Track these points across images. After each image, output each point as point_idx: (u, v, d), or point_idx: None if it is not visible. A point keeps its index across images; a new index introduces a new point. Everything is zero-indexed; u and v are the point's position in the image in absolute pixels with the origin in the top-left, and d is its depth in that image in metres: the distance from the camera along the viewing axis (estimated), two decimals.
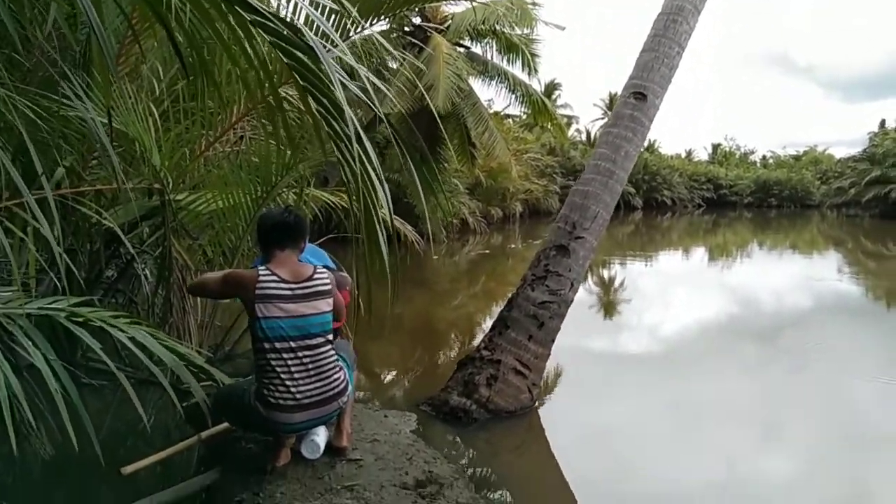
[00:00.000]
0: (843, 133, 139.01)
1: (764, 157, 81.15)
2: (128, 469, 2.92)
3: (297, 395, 2.89)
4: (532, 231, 30.46)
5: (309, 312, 2.94)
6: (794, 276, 16.49)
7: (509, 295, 5.32)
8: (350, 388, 3.18)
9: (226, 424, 3.26)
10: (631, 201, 55.57)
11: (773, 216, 54.07)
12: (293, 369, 2.89)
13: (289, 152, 4.82)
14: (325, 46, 2.65)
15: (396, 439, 3.51)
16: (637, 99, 5.44)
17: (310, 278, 2.99)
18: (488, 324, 9.85)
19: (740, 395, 6.05)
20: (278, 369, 2.88)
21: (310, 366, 2.93)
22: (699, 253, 24.46)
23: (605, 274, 16.37)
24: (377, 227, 2.51)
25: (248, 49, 2.74)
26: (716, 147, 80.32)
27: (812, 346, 8.16)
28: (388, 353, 7.44)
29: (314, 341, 2.95)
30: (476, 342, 8.43)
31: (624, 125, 5.47)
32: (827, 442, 4.91)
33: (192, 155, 4.91)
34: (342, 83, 2.48)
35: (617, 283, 15.09)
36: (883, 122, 55.37)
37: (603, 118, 66.55)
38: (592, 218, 5.29)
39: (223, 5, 1.74)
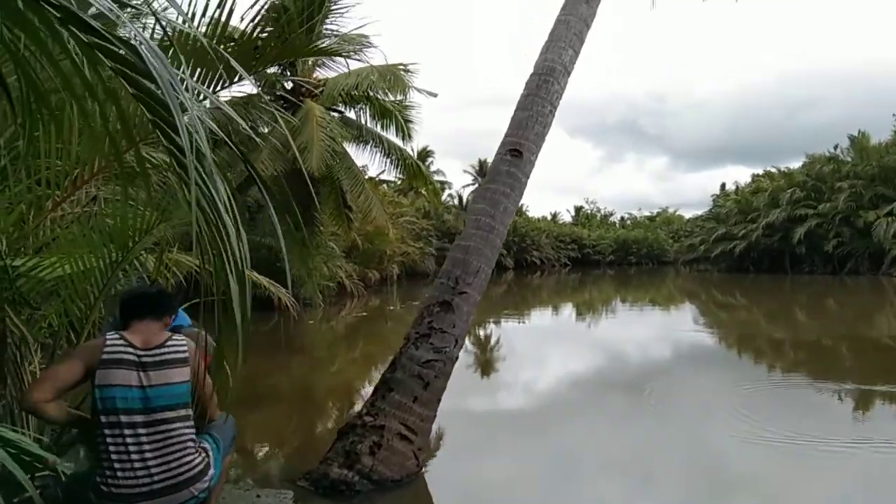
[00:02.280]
0: (690, 195, 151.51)
1: (622, 219, 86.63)
2: None
3: (133, 482, 2.47)
4: (410, 292, 30.44)
5: (157, 383, 2.57)
6: (655, 329, 17.45)
7: (390, 358, 5.15)
8: (212, 472, 2.72)
9: None
10: (503, 261, 57.24)
11: (634, 273, 57.54)
12: (131, 449, 2.48)
13: (147, 213, 4.48)
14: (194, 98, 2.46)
15: None
16: (513, 156, 5.54)
17: (162, 345, 2.65)
18: (368, 389, 9.56)
19: (612, 444, 6.24)
20: (111, 449, 2.48)
21: (155, 445, 2.52)
22: (568, 309, 25.43)
23: (481, 332, 16.46)
24: (230, 277, 2.27)
25: (100, 97, 2.51)
26: (578, 209, 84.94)
27: (667, 395, 8.54)
28: (262, 424, 6.95)
29: (161, 416, 2.55)
30: (356, 409, 8.16)
31: (502, 181, 5.54)
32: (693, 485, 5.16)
33: (37, 215, 4.45)
34: (217, 139, 2.30)
35: (493, 341, 15.29)
36: (723, 186, 61.15)
37: (474, 184, 68.83)
38: (475, 273, 5.25)
39: (54, 23, 1.49)
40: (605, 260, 69.65)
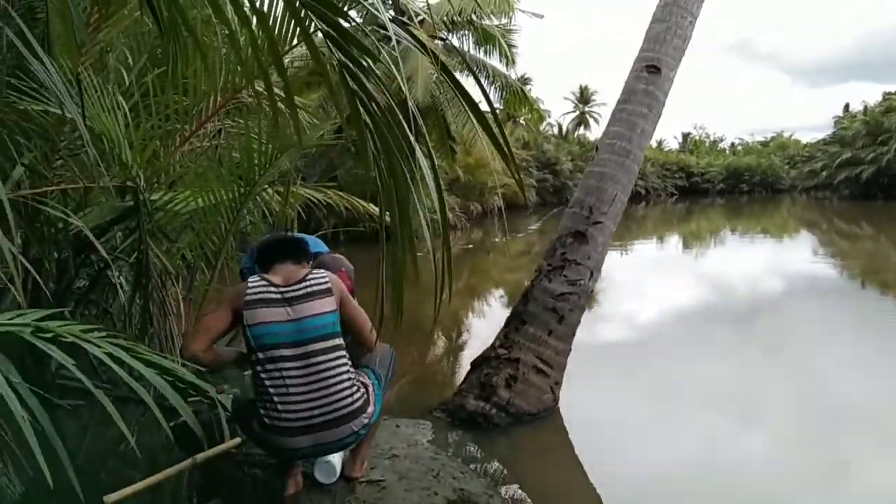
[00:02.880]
0: (807, 118, 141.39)
1: (733, 145, 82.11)
2: (111, 497, 2.55)
3: (293, 416, 2.49)
4: (511, 224, 30.22)
5: (304, 315, 2.56)
6: (785, 260, 16.52)
7: (493, 289, 5.05)
8: (372, 409, 2.67)
9: (225, 445, 2.89)
10: None
11: (745, 202, 54.68)
12: (288, 382, 2.50)
13: (269, 147, 4.47)
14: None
15: (417, 453, 3.17)
16: (650, 72, 5.11)
17: (303, 279, 2.64)
18: (480, 320, 9.73)
19: (741, 378, 6.05)
20: (268, 383, 2.51)
21: (310, 378, 2.52)
22: (674, 240, 24.50)
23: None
24: (409, 222, 2.17)
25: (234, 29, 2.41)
26: (686, 136, 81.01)
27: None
28: None
29: (313, 347, 2.53)
30: (469, 339, 8.20)
31: (638, 101, 5.14)
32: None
33: (166, 151, 4.54)
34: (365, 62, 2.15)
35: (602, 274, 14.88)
36: (847, 106, 56.26)
37: (574, 111, 66.83)
38: (610, 201, 4.97)
39: None
40: (715, 188, 66.37)
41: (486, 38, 14.56)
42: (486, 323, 9.18)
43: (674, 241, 24.44)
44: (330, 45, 1.77)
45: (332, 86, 2.37)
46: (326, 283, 2.65)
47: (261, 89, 5.16)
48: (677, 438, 4.61)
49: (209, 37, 4.67)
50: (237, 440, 2.91)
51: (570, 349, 4.78)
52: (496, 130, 1.93)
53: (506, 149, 1.90)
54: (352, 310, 2.71)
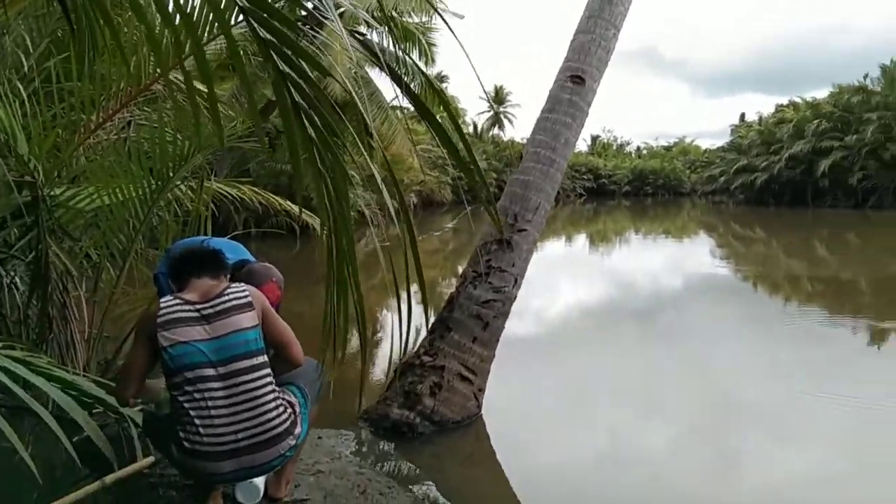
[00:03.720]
0: (706, 125, 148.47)
1: (638, 148, 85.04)
2: None
3: (216, 440, 2.29)
4: (427, 222, 30.30)
5: (224, 332, 2.37)
6: (669, 262, 17.32)
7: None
8: (300, 429, 2.51)
9: (137, 465, 2.68)
10: None
11: (650, 203, 57.04)
12: (210, 405, 2.30)
13: (184, 141, 4.25)
14: None
15: (341, 467, 3.07)
16: (575, 83, 5.18)
17: (220, 294, 2.45)
18: (396, 319, 9.59)
19: (645, 375, 6.36)
20: (187, 406, 2.30)
21: (234, 400, 2.33)
22: (581, 240, 25.29)
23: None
24: (347, 222, 2.06)
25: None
26: (594, 139, 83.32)
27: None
28: None
29: (237, 365, 2.34)
30: (384, 338, 8.12)
31: (563, 110, 5.20)
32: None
33: (69, 143, 4.23)
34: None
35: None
36: (743, 116, 59.57)
37: (489, 111, 67.56)
38: (534, 209, 5.01)
39: None
40: (621, 190, 68.73)
41: (405, 36, 14.48)
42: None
43: (581, 240, 25.20)
44: (254, 24, 1.64)
45: (246, 75, 2.25)
46: (246, 296, 2.47)
47: (174, 78, 4.92)
48: (591, 438, 4.81)
49: (120, 19, 4.38)
50: (150, 459, 2.69)
51: (494, 355, 4.80)
52: (451, 130, 1.85)
53: (465, 150, 1.83)
54: (275, 324, 2.54)
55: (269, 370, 2.43)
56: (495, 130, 67.56)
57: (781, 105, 49.99)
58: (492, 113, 67.94)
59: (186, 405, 2.30)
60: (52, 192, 3.96)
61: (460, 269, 17.55)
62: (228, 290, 2.46)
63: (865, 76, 39.57)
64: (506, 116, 68.27)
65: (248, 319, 2.42)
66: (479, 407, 4.64)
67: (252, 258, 3.13)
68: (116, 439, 2.96)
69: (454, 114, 2.23)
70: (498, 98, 68.27)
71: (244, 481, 2.57)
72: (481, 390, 4.65)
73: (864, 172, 36.70)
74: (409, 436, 4.23)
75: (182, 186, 4.82)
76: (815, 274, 14.50)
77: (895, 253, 18.87)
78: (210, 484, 2.49)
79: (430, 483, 3.65)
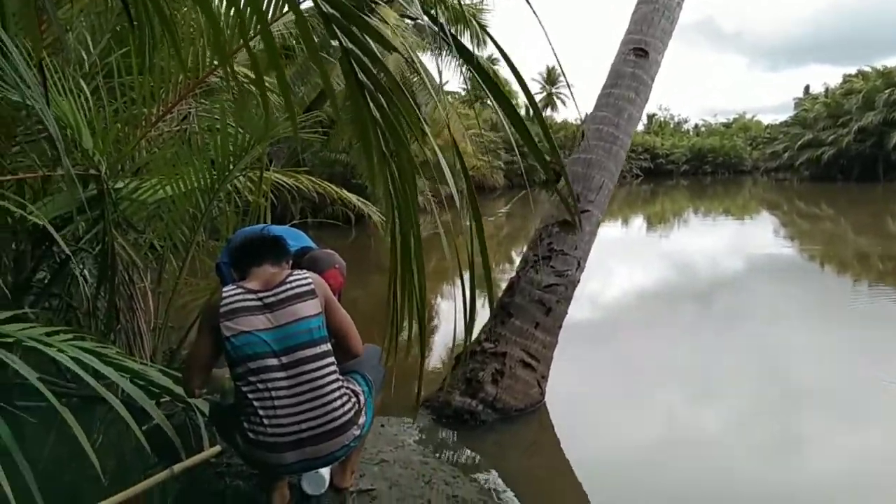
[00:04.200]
0: (766, 100, 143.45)
1: (696, 126, 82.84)
2: None
3: (280, 430, 2.28)
4: (480, 207, 30.08)
5: (287, 320, 2.34)
6: (746, 241, 16.76)
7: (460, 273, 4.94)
8: (364, 419, 2.49)
9: (204, 454, 2.70)
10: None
11: (709, 183, 55.48)
12: (274, 395, 2.28)
13: (243, 133, 4.27)
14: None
15: (405, 456, 3.04)
16: (638, 56, 4.98)
17: (282, 282, 2.41)
18: (453, 305, 9.57)
19: (707, 357, 6.27)
20: (251, 397, 2.29)
21: (298, 389, 2.30)
22: (638, 222, 24.75)
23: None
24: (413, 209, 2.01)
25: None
26: (651, 117, 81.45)
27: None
28: None
29: (301, 354, 2.31)
30: (441, 325, 8.07)
31: (626, 85, 5.01)
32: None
33: (131, 136, 4.30)
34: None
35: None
36: (807, 88, 57.28)
37: (541, 92, 66.72)
38: (598, 189, 4.85)
39: None
40: (679, 170, 67.06)
41: (456, 19, 14.33)
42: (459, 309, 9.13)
43: (638, 222, 24.71)
44: (334, 26, 1.59)
45: (316, 51, 2.18)
46: (309, 283, 2.42)
47: (233, 68, 4.93)
48: (655, 424, 4.74)
49: (177, 12, 4.43)
50: (217, 448, 2.71)
51: (557, 341, 4.68)
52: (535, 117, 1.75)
53: (542, 132, 1.73)
54: (337, 312, 2.49)
55: (332, 359, 2.39)
56: (548, 112, 66.79)
57: (849, 75, 47.76)
58: (544, 94, 67.13)
59: (250, 395, 2.28)
60: (116, 186, 4.04)
61: (514, 254, 17.57)
62: (290, 278, 2.43)
63: None
64: (558, 97, 67.39)
65: (312, 307, 2.39)
66: (543, 394, 4.54)
67: (313, 245, 3.11)
68: (183, 428, 3.00)
69: (532, 98, 2.13)
70: (550, 78, 67.34)
71: (310, 472, 2.56)
72: (544, 377, 4.54)
73: None
74: (472, 424, 4.16)
75: (241, 177, 4.86)
76: (887, 252, 13.85)
77: None
78: (275, 474, 2.48)
79: (493, 471, 3.61)
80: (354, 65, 1.63)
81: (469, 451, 3.91)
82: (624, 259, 13.90)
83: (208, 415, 2.56)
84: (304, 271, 2.50)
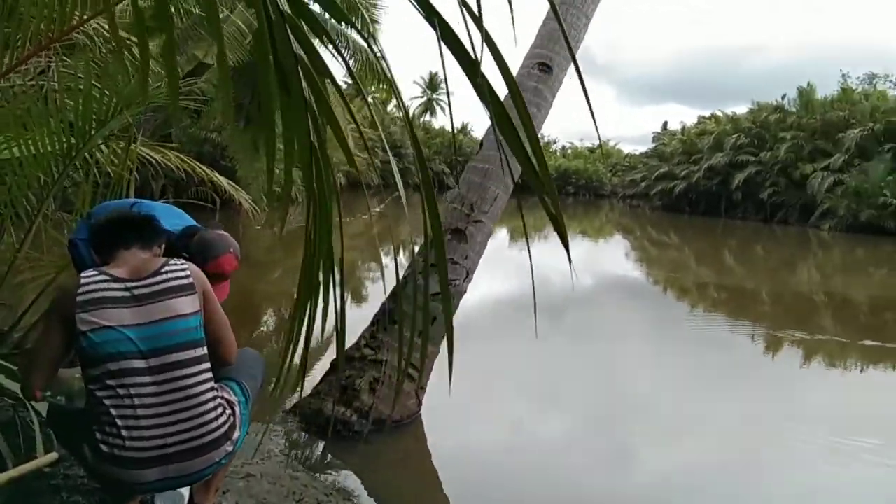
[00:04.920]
0: (629, 130, 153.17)
1: (563, 148, 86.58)
2: None
3: (141, 444, 1.92)
4: (353, 204, 29.70)
5: (159, 317, 2.00)
6: (599, 261, 17.70)
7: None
8: (238, 433, 2.15)
9: (38, 462, 2.29)
10: (445, 181, 56.66)
11: (570, 203, 58.29)
12: (137, 403, 1.92)
13: (110, 96, 3.82)
14: None
15: (273, 470, 2.78)
16: (542, 70, 4.98)
17: (157, 272, 2.06)
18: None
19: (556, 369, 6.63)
20: (108, 404, 1.91)
21: (166, 398, 1.96)
22: (501, 235, 25.50)
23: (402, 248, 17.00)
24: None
25: None
26: None
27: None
28: None
29: (171, 358, 1.98)
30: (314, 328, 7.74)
31: (527, 99, 4.98)
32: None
33: None
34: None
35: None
36: (665, 124, 61.55)
37: (422, 97, 67.14)
38: (492, 200, 4.79)
39: None
40: None
41: (349, 8, 13.97)
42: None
43: (501, 235, 25.43)
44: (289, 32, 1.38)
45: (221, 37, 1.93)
46: (188, 276, 2.09)
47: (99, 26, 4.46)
48: (514, 434, 4.91)
49: None
50: (53, 455, 2.30)
51: (438, 351, 4.55)
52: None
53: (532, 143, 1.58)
54: (215, 313, 2.18)
55: (208, 364, 2.08)
56: (427, 117, 67.36)
57: (704, 117, 51.97)
58: (425, 99, 67.61)
59: (107, 402, 1.92)
60: None
61: (381, 253, 17.45)
62: (166, 268, 2.09)
63: (783, 96, 41.50)
64: (438, 104, 68.10)
65: (189, 304, 2.06)
66: (420, 405, 4.40)
67: (197, 224, 2.72)
68: (10, 427, 2.58)
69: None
70: (432, 84, 67.91)
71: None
72: (423, 388, 4.40)
73: (774, 188, 38.54)
74: (345, 434, 3.94)
75: (103, 145, 4.37)
76: (721, 282, 15.14)
77: (794, 267, 19.91)
78: (129, 494, 2.13)
79: (364, 489, 3.40)
80: (300, 71, 1.42)
81: (339, 465, 3.69)
82: (485, 269, 14.16)
83: (47, 419, 2.13)
84: (181, 261, 2.17)
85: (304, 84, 1.46)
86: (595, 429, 5.16)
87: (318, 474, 3.09)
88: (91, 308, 1.95)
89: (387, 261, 13.96)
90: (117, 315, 1.96)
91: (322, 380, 4.29)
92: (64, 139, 3.76)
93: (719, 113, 49.07)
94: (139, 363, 1.95)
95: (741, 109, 46.65)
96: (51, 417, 2.07)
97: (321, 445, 3.91)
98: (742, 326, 10.07)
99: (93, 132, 3.81)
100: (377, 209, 27.53)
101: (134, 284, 2.03)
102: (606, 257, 19.48)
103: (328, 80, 1.74)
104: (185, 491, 2.30)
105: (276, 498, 2.53)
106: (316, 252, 1.64)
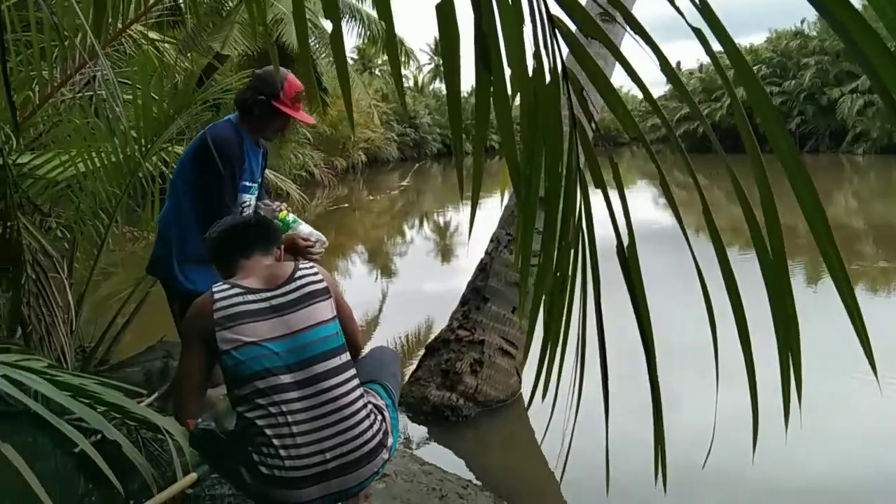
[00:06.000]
0: (642, 74, 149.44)
1: None
2: None
3: (300, 462, 1.84)
4: (375, 181, 29.63)
5: (300, 326, 1.91)
6: (639, 210, 17.43)
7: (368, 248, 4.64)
8: (391, 439, 2.04)
9: (179, 484, 2.22)
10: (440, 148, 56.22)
11: None
12: (291, 420, 1.84)
13: (159, 103, 3.72)
14: None
15: (404, 466, 2.69)
16: (604, 21, 4.75)
17: (291, 278, 1.98)
18: (363, 282, 9.37)
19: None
20: (261, 423, 1.83)
21: (319, 412, 1.87)
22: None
23: (441, 219, 17.36)
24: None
25: None
26: None
27: None
28: None
29: (318, 369, 1.88)
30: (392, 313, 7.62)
31: (594, 52, 4.77)
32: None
33: (29, 102, 3.66)
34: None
35: (453, 228, 15.46)
36: (679, 64, 60.14)
37: (430, 64, 66.33)
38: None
39: None
40: None
41: None
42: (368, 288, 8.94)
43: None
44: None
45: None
46: (321, 279, 2.01)
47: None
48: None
49: None
50: (193, 476, 2.24)
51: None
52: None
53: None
54: (343, 307, 2.09)
55: (354, 371, 1.99)
56: (437, 84, 66.59)
57: (720, 52, 50.64)
58: (433, 66, 66.78)
59: (260, 422, 1.84)
60: (17, 160, 3.43)
61: (405, 228, 17.39)
62: (300, 273, 2.00)
63: (802, 21, 40.28)
64: None
65: (328, 309, 1.98)
66: (520, 383, 4.29)
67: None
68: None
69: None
70: (439, 50, 66.96)
71: None
72: (521, 364, 4.30)
73: (801, 117, 37.66)
74: (454, 419, 3.87)
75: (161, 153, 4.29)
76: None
77: (829, 196, 19.35)
78: None
79: (487, 475, 3.31)
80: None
81: (439, 443, 3.61)
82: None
83: (197, 444, 2.05)
84: (310, 263, 2.09)
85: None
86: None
87: (443, 465, 3.01)
88: (230, 324, 1.87)
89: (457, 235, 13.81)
90: (259, 329, 1.88)
91: (419, 366, 4.21)
92: (128, 150, 3.68)
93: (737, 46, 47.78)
94: (286, 378, 1.86)
95: (759, 40, 45.49)
96: (198, 441, 1.99)
97: (428, 433, 3.83)
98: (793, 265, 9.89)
99: (154, 139, 3.72)
100: (404, 183, 27.47)
101: (271, 294, 1.94)
102: (637, 206, 19.21)
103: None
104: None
105: (418, 497, 2.45)
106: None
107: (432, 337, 5.32)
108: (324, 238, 2.90)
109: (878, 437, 3.86)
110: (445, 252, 12.43)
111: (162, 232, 2.96)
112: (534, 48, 1.32)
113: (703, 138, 45.55)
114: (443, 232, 15.37)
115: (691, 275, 1.47)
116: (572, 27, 1.34)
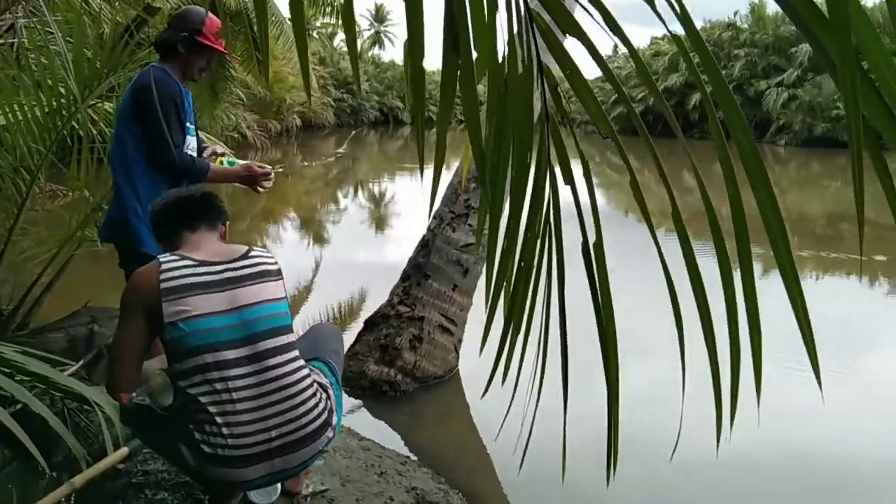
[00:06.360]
0: (576, 56, 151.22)
1: None
2: None
3: (245, 440, 1.79)
4: (310, 146, 29.06)
5: (251, 301, 1.87)
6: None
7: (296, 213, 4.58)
8: (336, 418, 2.02)
9: (110, 459, 2.13)
10: (399, 116, 55.77)
11: None
12: (235, 397, 1.78)
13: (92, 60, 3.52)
14: None
15: (342, 442, 2.65)
16: None
17: (246, 255, 1.95)
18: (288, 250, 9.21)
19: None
20: (204, 399, 1.77)
21: (264, 389, 1.82)
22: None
23: (376, 188, 17.73)
24: None
25: None
26: None
27: None
28: None
29: (264, 345, 1.85)
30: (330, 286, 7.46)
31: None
32: None
33: None
34: None
35: (388, 197, 15.76)
36: (615, 47, 61.02)
37: (369, 29, 65.19)
38: None
39: None
40: None
41: None
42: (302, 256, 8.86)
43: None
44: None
45: None
46: (275, 262, 2.00)
47: None
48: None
49: None
50: (124, 451, 2.15)
51: (472, 304, 4.45)
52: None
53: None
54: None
55: (297, 352, 1.95)
56: (375, 50, 65.59)
57: (656, 37, 51.65)
58: (372, 32, 65.68)
59: (203, 399, 1.77)
60: None
61: (339, 195, 17.19)
62: (254, 252, 1.98)
63: (735, 13, 41.44)
64: (386, 36, 66.32)
65: (280, 289, 1.96)
66: (458, 359, 4.32)
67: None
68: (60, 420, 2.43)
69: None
70: (378, 16, 65.91)
71: None
72: (461, 341, 4.32)
73: None
74: (391, 394, 3.87)
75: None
76: (680, 203, 15.30)
77: (747, 186, 20.18)
78: (232, 492, 2.02)
79: (425, 450, 3.32)
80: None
81: (386, 425, 3.60)
82: None
83: (129, 420, 1.95)
84: (267, 251, 2.06)
85: None
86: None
87: (380, 440, 3.00)
88: (177, 296, 1.79)
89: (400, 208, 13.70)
90: (207, 302, 1.82)
91: (357, 340, 4.18)
92: (55, 103, 3.47)
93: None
94: (231, 353, 1.81)
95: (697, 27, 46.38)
96: (132, 416, 1.90)
97: (364, 406, 3.82)
98: (703, 245, 10.31)
99: (86, 94, 3.52)
100: (341, 150, 27.04)
101: (224, 267, 1.89)
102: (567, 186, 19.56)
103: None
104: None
105: (357, 473, 2.44)
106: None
107: (366, 308, 5.30)
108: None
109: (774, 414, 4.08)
110: (380, 222, 12.43)
111: (116, 192, 2.82)
112: (507, 36, 1.30)
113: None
114: (378, 201, 15.32)
115: (622, 255, 1.49)
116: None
